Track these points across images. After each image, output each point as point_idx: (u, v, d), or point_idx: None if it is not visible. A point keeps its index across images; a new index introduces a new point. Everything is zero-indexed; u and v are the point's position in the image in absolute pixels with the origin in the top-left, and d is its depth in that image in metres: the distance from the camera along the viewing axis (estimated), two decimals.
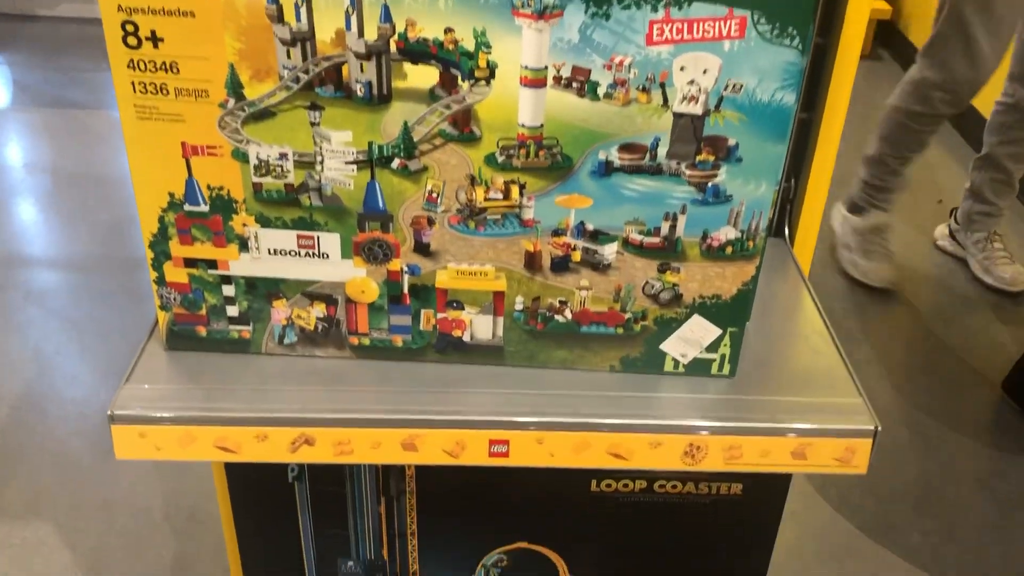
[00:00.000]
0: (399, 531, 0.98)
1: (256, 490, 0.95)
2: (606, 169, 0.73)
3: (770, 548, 0.99)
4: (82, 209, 2.70)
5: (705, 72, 0.68)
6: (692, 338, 0.81)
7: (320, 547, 0.99)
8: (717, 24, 0.66)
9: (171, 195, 0.76)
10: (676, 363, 0.83)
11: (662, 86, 0.69)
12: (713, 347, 0.82)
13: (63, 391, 2.02)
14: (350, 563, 1.01)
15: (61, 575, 1.59)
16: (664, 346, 0.82)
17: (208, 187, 0.75)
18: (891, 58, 3.85)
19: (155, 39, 0.69)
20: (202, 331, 0.83)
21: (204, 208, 0.76)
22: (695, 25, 0.66)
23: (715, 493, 0.95)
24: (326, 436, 0.79)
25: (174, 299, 0.82)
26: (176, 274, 0.80)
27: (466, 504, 0.96)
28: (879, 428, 0.80)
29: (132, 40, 0.70)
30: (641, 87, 0.69)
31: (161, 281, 0.81)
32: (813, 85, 0.97)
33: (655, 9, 0.66)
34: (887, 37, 3.85)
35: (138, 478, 1.78)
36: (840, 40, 0.94)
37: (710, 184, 0.73)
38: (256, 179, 0.75)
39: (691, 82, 0.68)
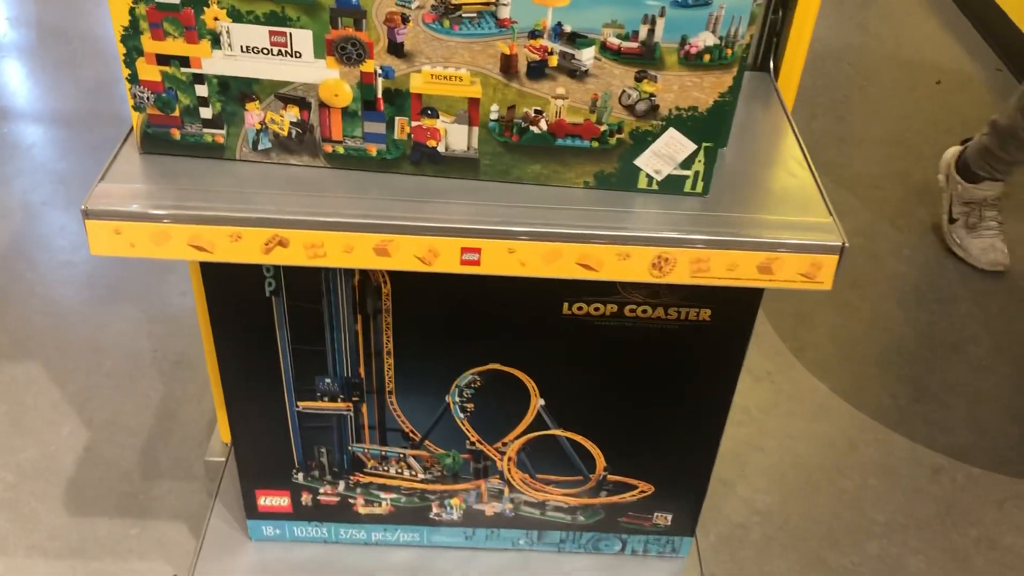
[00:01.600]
0: (375, 350, 1.00)
1: (235, 304, 0.96)
2: None
3: (736, 374, 1.02)
4: (68, 64, 2.65)
5: None
6: (666, 153, 0.82)
7: (298, 364, 1.02)
8: None
9: None
10: (650, 180, 0.84)
11: None
12: (687, 163, 0.82)
13: (51, 240, 2.02)
14: (327, 380, 1.03)
15: (51, 409, 1.63)
16: (638, 161, 0.82)
17: None
18: None
19: None
20: (176, 134, 0.83)
21: (176, 0, 0.75)
22: None
23: (684, 318, 0.96)
24: (299, 238, 0.79)
25: (148, 99, 0.81)
26: (149, 71, 0.79)
27: (441, 325, 0.98)
28: (846, 245, 0.80)
29: None
30: None
31: (134, 79, 0.80)
32: None
33: None
34: None
35: (127, 326, 1.81)
36: None
37: None
38: None
39: None
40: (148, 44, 0.78)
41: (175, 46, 0.78)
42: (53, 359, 1.73)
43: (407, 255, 0.81)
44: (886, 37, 3.07)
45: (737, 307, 0.95)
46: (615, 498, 1.14)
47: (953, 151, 2.13)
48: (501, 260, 0.81)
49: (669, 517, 1.17)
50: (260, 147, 0.83)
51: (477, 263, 0.81)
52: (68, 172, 2.23)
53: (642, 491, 1.14)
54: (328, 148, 0.83)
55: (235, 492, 1.22)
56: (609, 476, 1.12)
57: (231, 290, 0.95)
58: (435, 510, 1.17)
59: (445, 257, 0.81)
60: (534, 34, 0.75)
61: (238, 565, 1.18)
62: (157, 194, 0.80)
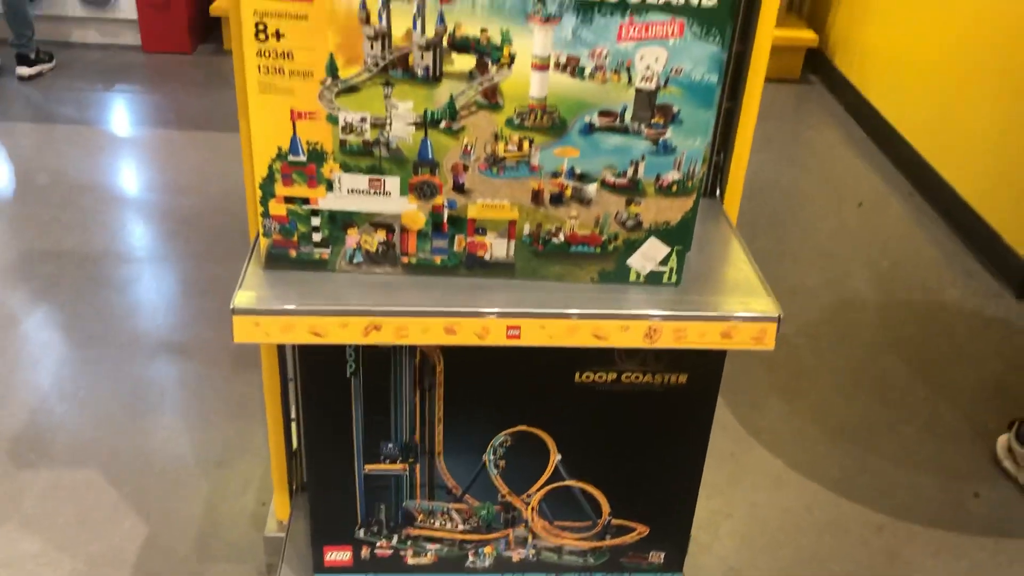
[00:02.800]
0: (429, 418, 1.29)
1: (323, 384, 1.25)
2: (589, 129, 1.05)
3: (709, 425, 1.32)
4: (93, 211, 2.96)
5: (657, 60, 1.01)
6: (649, 254, 1.14)
7: (367, 432, 1.29)
8: (664, 27, 0.99)
9: (279, 148, 1.07)
10: (638, 275, 1.15)
11: (628, 70, 1.01)
12: (664, 262, 1.14)
13: (93, 367, 2.27)
14: (390, 445, 1.30)
15: (112, 508, 1.85)
16: (630, 262, 1.14)
17: (307, 143, 1.06)
18: (819, 82, 4.27)
19: (278, 35, 1.00)
20: (293, 253, 1.13)
21: (303, 158, 1.07)
22: (649, 27, 0.99)
23: (666, 382, 1.27)
24: (390, 323, 1.09)
25: (274, 228, 1.12)
26: (277, 208, 1.10)
27: (481, 394, 1.27)
28: (781, 316, 1.12)
29: (261, 36, 1.00)
30: (614, 70, 1.02)
31: (266, 215, 1.11)
32: (736, 81, 1.31)
33: (623, 16, 0.99)
34: (815, 63, 4.27)
35: (169, 433, 2.05)
36: (754, 47, 1.27)
37: (661, 139, 1.06)
38: (343, 136, 1.06)
39: (647, 67, 1.01)
40: (279, 189, 1.09)
41: (299, 190, 1.09)
42: (107, 465, 1.96)
43: (468, 332, 1.10)
44: (813, 168, 3.52)
45: (706, 372, 1.26)
46: (618, 540, 1.41)
47: (1004, 437, 2.12)
48: (536, 334, 1.11)
49: (662, 555, 1.43)
50: (355, 261, 1.14)
51: (518, 337, 1.11)
52: (101, 307, 2.50)
53: (639, 532, 1.41)
54: (405, 260, 1.14)
55: (293, 566, 1.45)
56: (613, 520, 1.39)
57: (321, 373, 1.24)
58: (471, 558, 1.42)
59: (495, 333, 1.11)
60: (555, 175, 1.08)
61: None
62: (282, 296, 1.10)
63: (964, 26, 3.09)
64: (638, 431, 1.31)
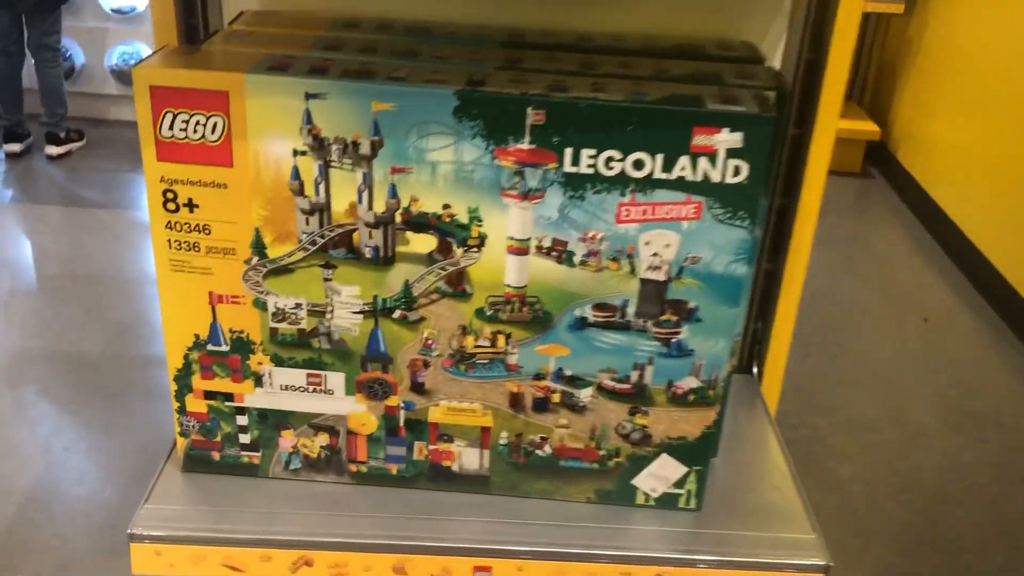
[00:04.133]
0: None
1: None
2: (581, 324, 0.83)
3: None
4: (96, 307, 2.81)
5: (667, 246, 0.78)
6: (661, 475, 0.90)
7: None
8: (676, 207, 0.76)
9: (196, 336, 0.86)
10: (647, 497, 0.91)
11: (630, 257, 0.79)
12: (680, 483, 0.90)
13: (70, 489, 2.08)
14: None
15: None
16: (636, 481, 0.90)
17: (230, 330, 0.85)
18: (881, 175, 4.01)
19: (191, 205, 0.80)
20: (216, 456, 0.92)
21: (225, 348, 0.86)
22: (657, 208, 0.77)
23: None
24: (324, 559, 0.86)
25: (193, 427, 0.90)
26: (196, 405, 0.89)
27: None
28: (831, 565, 0.87)
29: (171, 205, 0.80)
30: (612, 257, 0.79)
31: (182, 411, 0.89)
32: (778, 238, 1.08)
33: (623, 194, 0.76)
34: (877, 156, 4.01)
35: None
36: (800, 200, 1.04)
37: (673, 340, 0.83)
38: (273, 324, 0.84)
39: (655, 254, 0.79)
40: (198, 383, 0.88)
41: (222, 384, 0.88)
42: None
43: (423, 574, 0.87)
44: (872, 275, 3.24)
45: None
46: None
47: None
48: None
49: None
50: (291, 467, 0.92)
51: None
52: (92, 416, 2.32)
53: None
54: (353, 468, 0.92)
55: None
56: None
57: None
58: None
59: (458, 575, 0.87)
60: (538, 376, 0.85)
61: None
62: (195, 516, 0.88)
63: None
64: None
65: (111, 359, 2.55)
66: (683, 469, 0.89)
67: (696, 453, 0.88)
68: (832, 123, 1.00)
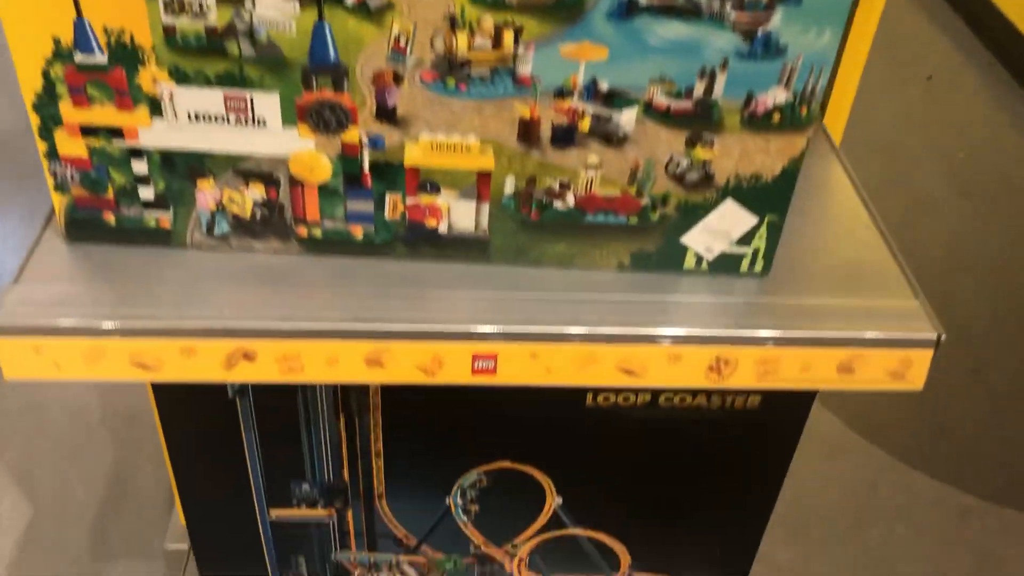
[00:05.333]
0: (361, 450, 0.84)
1: (189, 407, 0.80)
2: (628, 9, 0.56)
3: (786, 467, 0.88)
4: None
5: None
6: (721, 228, 0.66)
7: (269, 469, 0.85)
8: None
9: (56, 41, 0.58)
10: (699, 260, 0.68)
11: None
12: (746, 240, 0.67)
13: None
14: (304, 486, 0.87)
15: None
16: (686, 239, 0.67)
17: (105, 30, 0.57)
18: None
19: None
20: (110, 218, 0.66)
21: (101, 59, 0.58)
22: None
23: (728, 406, 0.82)
24: (269, 350, 0.63)
25: (72, 178, 0.64)
26: (71, 145, 0.62)
27: (442, 419, 0.82)
28: (943, 337, 0.66)
29: None
30: None
31: (52, 154, 0.63)
32: None
33: None
34: None
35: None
36: None
37: (760, 31, 0.57)
38: (167, 20, 0.57)
39: None
40: (69, 112, 0.61)
41: (103, 114, 0.61)
42: None
43: (406, 365, 0.65)
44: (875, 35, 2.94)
45: (792, 392, 0.81)
46: None
47: None
48: (522, 367, 0.65)
49: None
50: (217, 232, 0.67)
51: (493, 371, 0.66)
52: (3, 194, 2.03)
53: None
54: (302, 231, 0.67)
55: None
56: (635, 574, 0.97)
57: (184, 391, 0.78)
58: None
59: (452, 366, 0.65)
60: (561, 93, 0.60)
61: None
62: (88, 299, 0.64)
63: None
64: (680, 471, 0.87)
65: (21, 133, 2.22)
66: (752, 219, 0.66)
67: (772, 198, 0.65)
68: None
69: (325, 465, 0.85)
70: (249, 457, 0.84)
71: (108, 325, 0.62)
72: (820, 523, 1.48)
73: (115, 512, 1.42)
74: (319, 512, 0.89)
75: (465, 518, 0.90)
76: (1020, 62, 2.66)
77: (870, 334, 0.65)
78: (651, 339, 0.65)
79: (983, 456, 1.61)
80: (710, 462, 0.87)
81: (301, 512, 0.89)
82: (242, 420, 0.81)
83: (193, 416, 0.81)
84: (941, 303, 1.84)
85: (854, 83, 0.86)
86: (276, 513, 0.89)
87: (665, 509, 0.91)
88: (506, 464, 0.86)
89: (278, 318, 0.63)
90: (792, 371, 0.66)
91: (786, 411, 0.82)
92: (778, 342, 0.65)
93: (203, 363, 0.63)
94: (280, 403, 0.80)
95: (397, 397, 0.80)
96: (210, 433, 0.82)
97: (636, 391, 0.80)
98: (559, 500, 0.89)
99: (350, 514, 0.90)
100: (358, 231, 0.67)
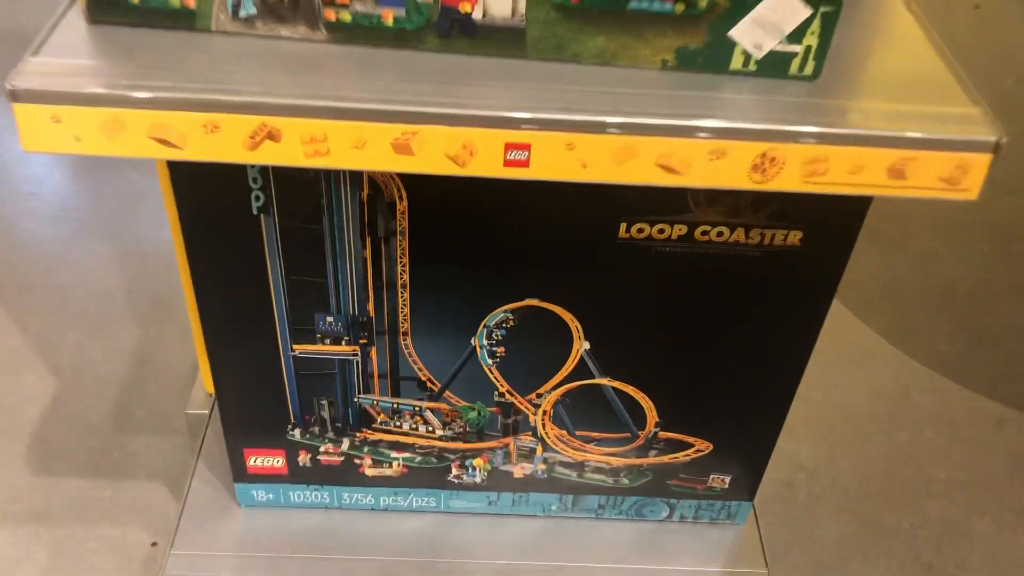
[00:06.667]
0: (387, 282, 0.82)
1: (214, 224, 0.78)
2: None
3: (824, 313, 0.85)
4: None
5: None
6: (772, 21, 0.63)
7: (293, 299, 0.84)
8: None
9: None
10: (747, 58, 0.65)
11: None
12: (797, 36, 0.64)
13: (12, 171, 1.82)
14: (328, 319, 0.85)
15: (12, 355, 1.45)
16: (734, 32, 0.64)
17: None
18: None
19: None
20: None
21: None
22: None
23: (768, 243, 0.79)
24: (295, 128, 0.61)
25: None
26: None
27: (468, 251, 0.80)
28: (1004, 140, 0.63)
29: None
30: None
31: None
32: None
33: None
34: None
35: (98, 263, 1.62)
36: None
37: None
38: None
39: None
40: None
41: None
42: (13, 300, 1.54)
43: (435, 153, 0.62)
44: None
45: (834, 228, 0.78)
46: (666, 458, 0.98)
47: None
48: (557, 160, 0.62)
49: (727, 479, 1.00)
50: (242, 13, 0.64)
51: (526, 163, 0.63)
52: None
53: (698, 450, 0.97)
54: (331, 15, 0.64)
55: (222, 450, 1.05)
56: (661, 433, 0.95)
57: (209, 205, 0.77)
58: (455, 471, 1.00)
59: (484, 156, 0.62)
60: None
61: (225, 534, 1.02)
62: (110, 71, 0.61)
63: None
64: (713, 316, 0.85)
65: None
66: (806, 11, 0.62)
67: None
68: None
69: (350, 296, 0.83)
70: (273, 283, 0.82)
71: (130, 93, 0.59)
72: (847, 425, 1.46)
73: (137, 388, 1.42)
74: (343, 348, 0.87)
75: (490, 361, 0.88)
76: None
77: (924, 134, 0.62)
78: (694, 131, 0.61)
79: (1020, 365, 1.57)
80: (745, 308, 0.84)
81: (325, 348, 0.87)
82: (266, 239, 0.79)
83: (216, 238, 0.79)
84: (982, 216, 1.80)
85: None
86: (299, 349, 0.88)
87: (695, 361, 0.88)
88: (533, 303, 0.84)
89: (305, 96, 0.60)
90: (840, 173, 0.63)
91: (827, 251, 0.79)
92: (827, 139, 0.62)
93: (226, 141, 0.61)
94: (305, 224, 0.78)
95: (425, 222, 0.78)
96: (234, 260, 0.81)
97: (671, 222, 0.77)
98: (587, 346, 0.87)
99: (374, 352, 0.88)
100: (388, 16, 0.64)
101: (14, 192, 1.76)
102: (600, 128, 0.61)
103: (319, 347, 0.87)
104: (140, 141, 0.61)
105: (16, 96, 0.59)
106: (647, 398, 0.92)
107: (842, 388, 1.51)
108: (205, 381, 1.21)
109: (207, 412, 1.17)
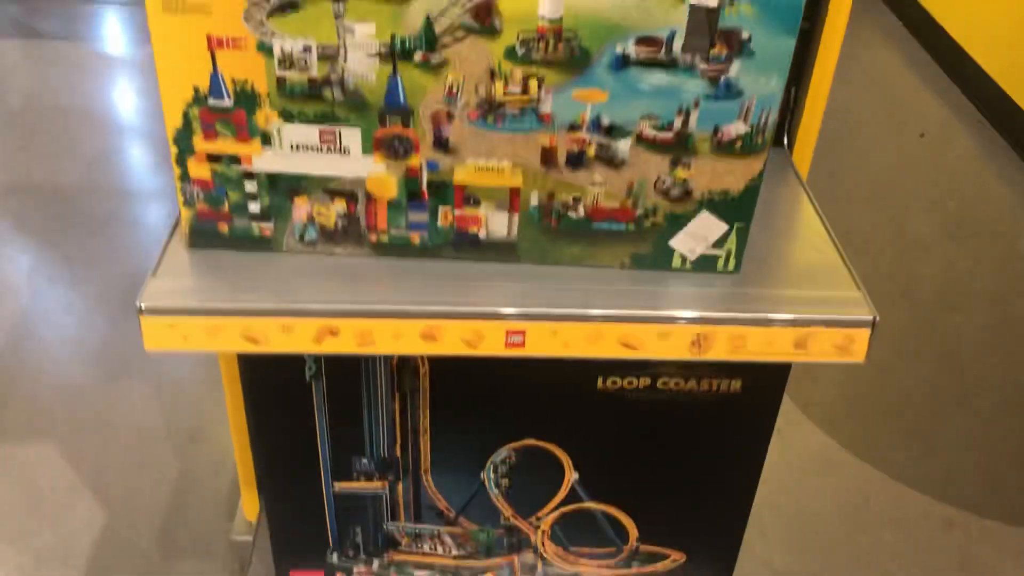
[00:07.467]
0: (412, 428, 1.02)
1: (274, 389, 0.98)
2: (623, 63, 0.75)
3: (766, 444, 1.04)
4: (66, 139, 2.68)
5: None
6: (700, 234, 0.85)
7: (335, 445, 1.03)
8: None
9: (196, 89, 0.77)
10: (684, 260, 0.87)
11: None
12: (720, 243, 0.85)
13: (59, 318, 2.03)
14: (364, 460, 1.04)
15: (66, 490, 1.62)
16: (673, 243, 0.85)
17: (232, 80, 0.77)
18: None
19: None
20: (224, 228, 0.85)
21: (228, 102, 0.78)
22: None
23: (715, 389, 0.99)
24: (349, 327, 0.81)
25: (197, 196, 0.83)
26: (199, 170, 0.82)
27: (477, 402, 1.00)
28: (878, 319, 0.83)
29: None
30: None
31: (184, 177, 0.82)
32: None
33: None
34: None
35: (138, 400, 1.81)
36: None
37: (722, 78, 0.76)
38: (280, 72, 0.76)
39: None
40: (200, 143, 0.80)
41: (226, 145, 0.80)
42: (65, 438, 1.72)
43: (454, 339, 0.83)
44: (869, 92, 3.15)
45: (768, 376, 0.98)
46: (648, 568, 1.15)
47: None
48: (545, 342, 0.83)
49: None
50: (307, 239, 0.86)
51: (522, 345, 0.83)
52: (72, 248, 2.24)
53: (674, 559, 1.15)
54: (373, 237, 0.86)
55: (266, 571, 1.22)
56: (642, 546, 1.13)
57: (271, 375, 0.97)
58: None
59: (490, 340, 0.83)
60: (573, 127, 0.79)
61: None
62: (208, 288, 0.82)
63: None
64: (677, 448, 1.04)
65: (87, 191, 2.45)
66: (724, 226, 0.84)
67: (738, 209, 0.83)
68: None
69: (382, 441, 1.03)
70: (319, 434, 1.02)
71: (224, 306, 0.80)
72: (815, 530, 1.63)
73: (180, 515, 1.59)
74: (375, 484, 1.06)
75: (496, 491, 1.07)
76: (1006, 120, 2.85)
77: (819, 315, 0.83)
78: (646, 319, 0.82)
79: (966, 472, 1.75)
80: (702, 439, 1.03)
81: (360, 484, 1.06)
82: (315, 401, 0.99)
83: (275, 399, 0.99)
84: (931, 334, 2.01)
85: (816, 127, 1.05)
86: (339, 486, 1.06)
87: (665, 484, 1.07)
88: (531, 442, 1.03)
89: (355, 302, 0.81)
90: (758, 346, 0.84)
91: (763, 394, 0.99)
92: (745, 322, 0.83)
93: (298, 338, 0.82)
94: (347, 386, 0.98)
95: (442, 380, 0.98)
96: (289, 415, 1.00)
97: (638, 374, 0.98)
98: (576, 476, 1.06)
99: (400, 487, 1.07)
100: (416, 237, 0.86)
101: (61, 338, 1.96)
102: (576, 318, 0.82)
103: (356, 484, 1.06)
104: (232, 340, 0.82)
105: (143, 311, 0.80)
106: (628, 516, 1.10)
107: (810, 495, 1.69)
108: (246, 510, 1.38)
109: (251, 539, 1.34)
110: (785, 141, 1.07)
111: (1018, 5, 2.82)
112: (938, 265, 2.30)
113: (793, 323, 0.83)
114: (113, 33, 3.44)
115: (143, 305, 0.80)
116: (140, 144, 2.67)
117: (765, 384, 0.98)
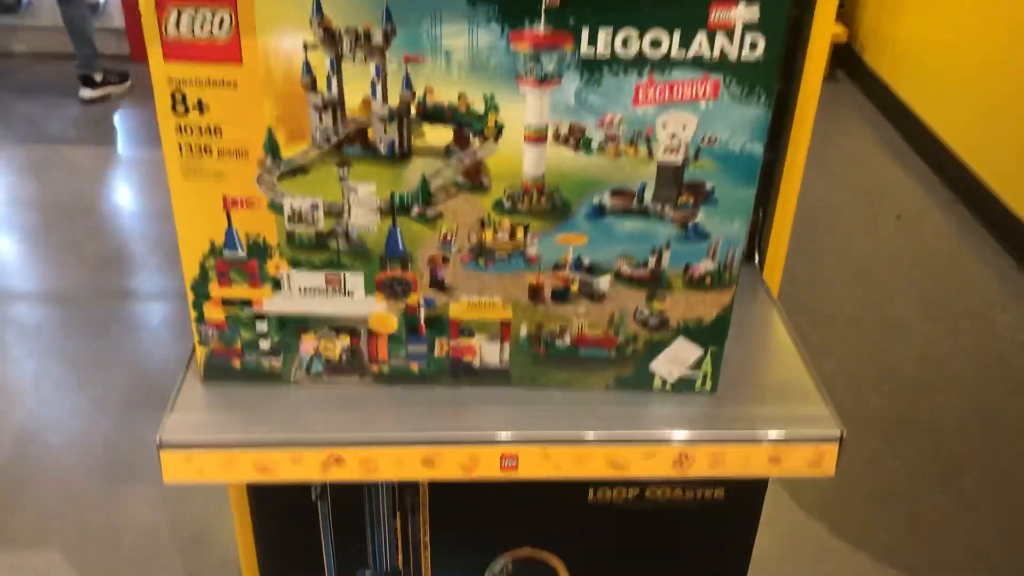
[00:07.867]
0: (413, 543, 1.07)
1: (281, 510, 1.03)
2: (600, 212, 0.83)
3: (750, 547, 1.09)
4: (71, 242, 2.76)
5: (684, 127, 0.78)
6: (677, 358, 0.92)
7: (340, 560, 1.08)
8: (694, 86, 0.76)
9: (212, 243, 0.85)
10: (664, 382, 0.93)
11: (647, 140, 0.79)
12: (696, 365, 0.92)
13: (65, 422, 2.08)
14: (368, 573, 1.09)
15: None
16: (653, 366, 0.92)
17: (246, 235, 0.84)
18: (847, 78, 4.01)
19: (201, 107, 0.79)
20: (236, 363, 0.92)
21: (242, 254, 0.85)
22: (675, 88, 0.77)
23: (700, 498, 1.04)
24: (354, 456, 0.88)
25: (212, 335, 0.90)
26: (214, 312, 0.89)
27: (475, 515, 1.05)
28: (845, 434, 0.90)
29: (180, 108, 0.79)
30: (629, 141, 0.79)
31: (200, 319, 0.89)
32: (777, 125, 1.08)
33: (640, 75, 0.76)
34: (843, 58, 4.01)
35: (144, 505, 1.85)
36: (800, 87, 1.05)
37: (690, 223, 0.84)
38: (289, 227, 0.84)
39: (672, 136, 0.79)
40: (215, 290, 0.87)
41: (239, 291, 0.88)
42: (73, 544, 1.76)
43: (452, 465, 0.89)
44: (845, 176, 3.27)
45: (749, 484, 1.04)
46: None
47: None
48: (537, 464, 0.89)
49: None
50: (313, 371, 0.92)
51: (515, 468, 0.89)
52: (79, 352, 2.30)
53: None
54: (375, 368, 0.92)
55: None
56: None
57: (278, 498, 1.02)
58: None
59: (485, 464, 0.89)
60: (557, 267, 0.86)
61: None
62: (223, 423, 0.89)
63: (1012, 17, 2.83)
64: (666, 553, 1.09)
65: (92, 293, 2.52)
66: (699, 351, 0.91)
67: (712, 335, 0.90)
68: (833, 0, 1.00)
69: (385, 555, 1.08)
70: (325, 551, 1.07)
71: (238, 440, 0.87)
72: None
73: None
74: None
75: None
76: (979, 201, 2.96)
77: (790, 434, 0.89)
78: (631, 441, 0.89)
79: (951, 551, 1.79)
80: (688, 545, 1.09)
81: None
82: (321, 520, 1.04)
83: (282, 519, 1.04)
84: (912, 415, 2.08)
85: (784, 245, 1.13)
86: None
87: None
88: (527, 551, 1.09)
89: (359, 433, 0.88)
90: (736, 463, 0.90)
91: (745, 502, 1.05)
92: (724, 441, 0.89)
93: (307, 467, 0.88)
94: (351, 505, 1.04)
95: (441, 497, 1.03)
96: (294, 534, 1.05)
97: (626, 486, 1.03)
98: None
99: None
100: (415, 366, 0.92)
101: (67, 443, 2.01)
102: (566, 442, 0.89)
103: None
104: (245, 471, 0.88)
105: (162, 445, 0.86)
106: None
107: None
108: None
109: None
110: (756, 259, 1.15)
111: (986, 90, 2.96)
112: (918, 347, 2.37)
113: (767, 441, 0.89)
114: (119, 133, 3.55)
115: (161, 439, 0.86)
116: (143, 245, 2.75)
117: (747, 491, 1.04)
